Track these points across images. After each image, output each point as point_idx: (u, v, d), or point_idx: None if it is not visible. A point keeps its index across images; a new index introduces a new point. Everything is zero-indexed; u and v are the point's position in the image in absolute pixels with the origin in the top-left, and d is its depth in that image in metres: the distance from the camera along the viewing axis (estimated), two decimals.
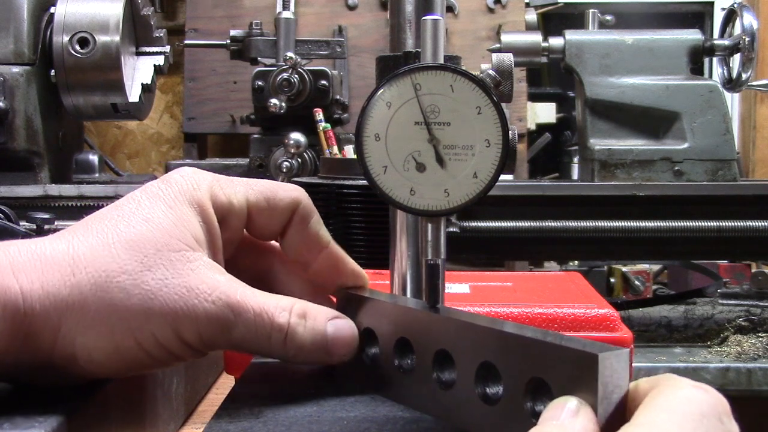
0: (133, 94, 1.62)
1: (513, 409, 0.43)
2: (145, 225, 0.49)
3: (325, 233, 0.56)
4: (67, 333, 0.46)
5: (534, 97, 2.56)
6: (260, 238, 0.57)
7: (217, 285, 0.49)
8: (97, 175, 1.86)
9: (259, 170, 1.56)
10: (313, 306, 0.53)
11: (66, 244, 0.48)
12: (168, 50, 1.70)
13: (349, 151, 1.37)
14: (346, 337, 0.53)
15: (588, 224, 1.14)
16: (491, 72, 0.57)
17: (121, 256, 0.47)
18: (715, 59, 1.36)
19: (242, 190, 0.53)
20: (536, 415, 0.41)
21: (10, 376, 0.49)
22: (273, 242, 0.58)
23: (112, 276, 0.47)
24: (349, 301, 0.55)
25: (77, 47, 1.54)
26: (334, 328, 0.52)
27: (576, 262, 1.65)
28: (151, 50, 1.68)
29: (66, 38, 1.54)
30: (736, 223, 1.13)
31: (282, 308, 0.50)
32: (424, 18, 0.52)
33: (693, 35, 1.28)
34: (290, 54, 1.55)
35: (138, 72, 1.66)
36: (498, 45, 1.32)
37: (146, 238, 0.48)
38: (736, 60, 1.28)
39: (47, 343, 0.46)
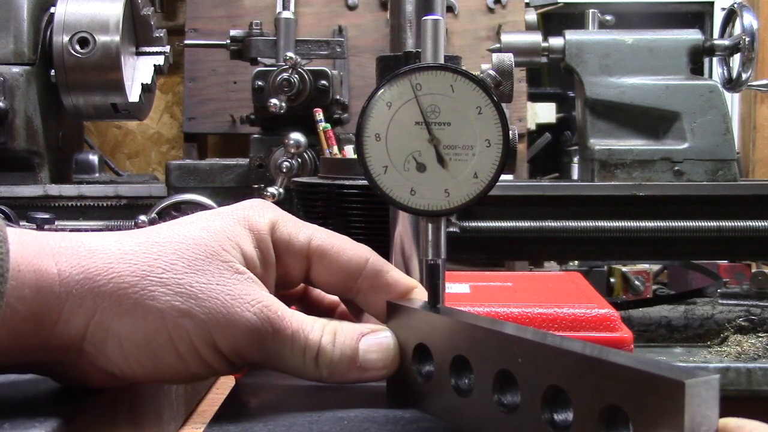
0: (133, 94, 1.62)
1: None
2: (200, 232, 0.49)
3: (397, 277, 0.54)
4: (102, 320, 0.46)
5: (534, 97, 2.56)
6: (324, 290, 0.56)
7: (260, 299, 0.49)
8: (97, 175, 1.86)
9: (259, 170, 1.56)
10: (346, 324, 0.52)
11: (115, 240, 0.48)
12: (168, 50, 1.70)
13: (349, 151, 1.37)
14: (380, 352, 0.51)
15: (588, 224, 1.14)
16: (491, 72, 0.57)
17: (169, 255, 0.48)
18: (715, 59, 1.36)
19: (306, 232, 0.53)
20: None
21: (37, 364, 0.48)
22: (335, 298, 0.58)
23: (156, 272, 0.47)
24: (399, 314, 0.52)
25: (77, 47, 1.54)
26: (366, 344, 0.51)
27: (576, 262, 1.65)
28: (151, 50, 1.68)
29: (66, 38, 1.54)
30: (736, 223, 1.14)
31: (317, 328, 0.50)
32: (424, 18, 0.52)
33: (693, 35, 1.28)
34: (290, 54, 1.55)
35: (138, 72, 1.66)
36: (498, 45, 1.32)
37: (198, 244, 0.49)
38: (736, 60, 1.28)
39: (80, 328, 0.46)
